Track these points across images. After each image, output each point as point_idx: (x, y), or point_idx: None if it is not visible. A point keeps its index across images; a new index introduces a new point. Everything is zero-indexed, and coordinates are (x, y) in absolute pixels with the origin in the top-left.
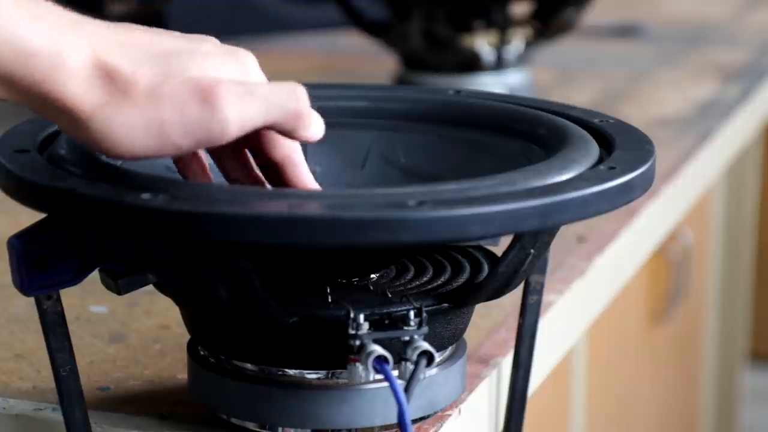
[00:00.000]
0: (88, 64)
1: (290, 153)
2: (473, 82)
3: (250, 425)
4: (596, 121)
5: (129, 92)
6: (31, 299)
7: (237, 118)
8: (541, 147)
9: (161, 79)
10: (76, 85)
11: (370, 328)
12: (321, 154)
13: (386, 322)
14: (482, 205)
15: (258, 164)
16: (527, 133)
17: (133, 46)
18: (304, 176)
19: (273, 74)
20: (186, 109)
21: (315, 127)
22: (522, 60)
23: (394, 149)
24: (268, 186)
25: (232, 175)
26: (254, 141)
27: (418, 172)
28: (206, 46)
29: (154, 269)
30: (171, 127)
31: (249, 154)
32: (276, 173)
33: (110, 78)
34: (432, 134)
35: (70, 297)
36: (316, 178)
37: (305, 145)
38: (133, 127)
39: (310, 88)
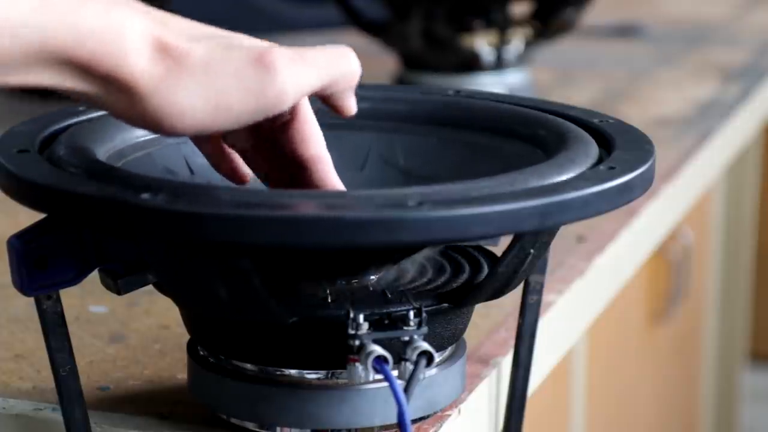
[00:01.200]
0: (145, 40)
1: (321, 150)
2: (473, 82)
3: (250, 425)
4: (596, 121)
5: (186, 64)
6: (31, 299)
7: (294, 82)
8: (541, 149)
9: (214, 50)
10: (136, 60)
11: (369, 328)
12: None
13: (386, 322)
14: (482, 205)
15: (280, 164)
16: (527, 135)
17: (181, 24)
18: (334, 176)
19: None
20: (243, 76)
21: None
22: (522, 60)
23: (394, 151)
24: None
25: (238, 146)
26: (288, 136)
27: (418, 174)
28: (241, 35)
29: (154, 269)
30: (230, 96)
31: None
32: (301, 173)
33: (166, 52)
34: (432, 136)
35: (70, 297)
36: None
37: None
38: (193, 98)
39: None
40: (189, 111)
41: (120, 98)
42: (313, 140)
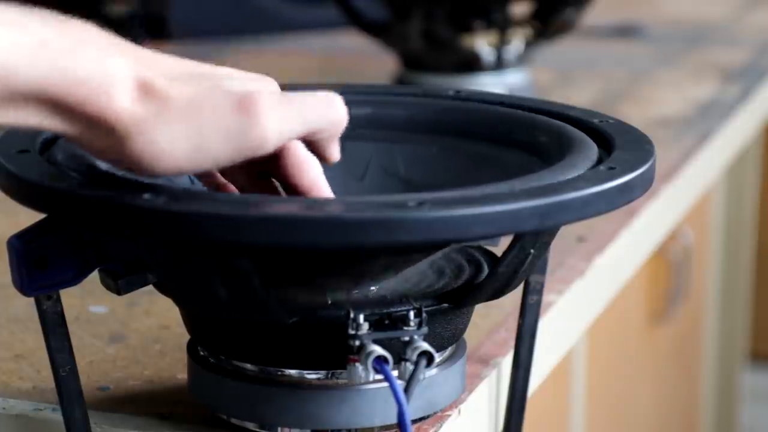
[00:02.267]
0: (131, 82)
1: (316, 178)
2: (473, 82)
3: (250, 425)
4: (596, 121)
5: (169, 106)
6: (31, 299)
7: (276, 127)
8: (541, 157)
9: (198, 92)
10: (122, 103)
11: (369, 329)
12: (321, 166)
13: (386, 322)
14: (482, 205)
15: (272, 190)
16: (528, 143)
17: (167, 65)
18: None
19: (273, 74)
20: (225, 120)
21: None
22: (522, 60)
23: (394, 161)
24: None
25: (237, 183)
26: (280, 167)
27: (418, 183)
28: (230, 69)
29: (154, 269)
30: (211, 139)
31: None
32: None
33: (151, 94)
34: (432, 145)
35: (70, 297)
36: None
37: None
38: (174, 140)
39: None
40: (168, 152)
41: (102, 139)
42: (305, 169)
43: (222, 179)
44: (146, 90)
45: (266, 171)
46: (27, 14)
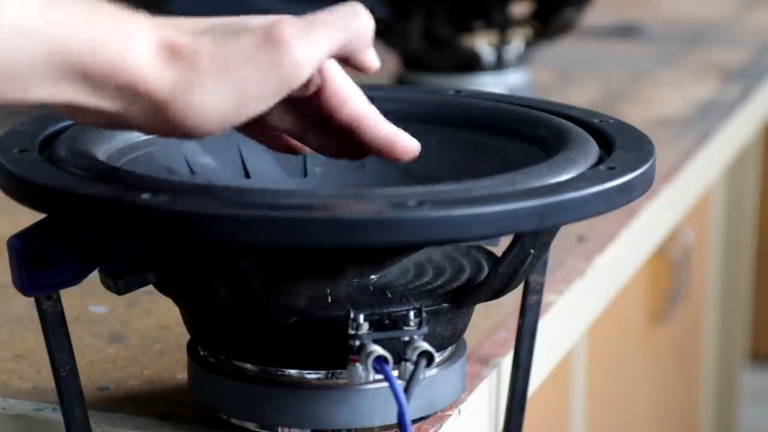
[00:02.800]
0: (153, 46)
1: (364, 106)
2: (473, 82)
3: (250, 425)
4: (596, 121)
5: (198, 63)
6: (31, 299)
7: (307, 51)
8: (541, 148)
9: (222, 42)
10: (150, 67)
11: (370, 328)
12: (322, 155)
13: (386, 322)
14: (482, 205)
15: (329, 132)
16: (527, 135)
17: (184, 24)
18: (385, 125)
19: None
20: (255, 60)
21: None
22: (522, 60)
23: None
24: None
25: (286, 127)
26: (324, 102)
27: (418, 173)
28: (244, 16)
29: (154, 269)
30: (248, 83)
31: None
32: (352, 134)
33: (177, 54)
34: (432, 136)
35: (70, 297)
36: (317, 179)
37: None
38: (214, 94)
39: None
40: (211, 108)
41: (141, 110)
42: (351, 99)
43: (274, 131)
44: (170, 49)
45: (313, 114)
46: None
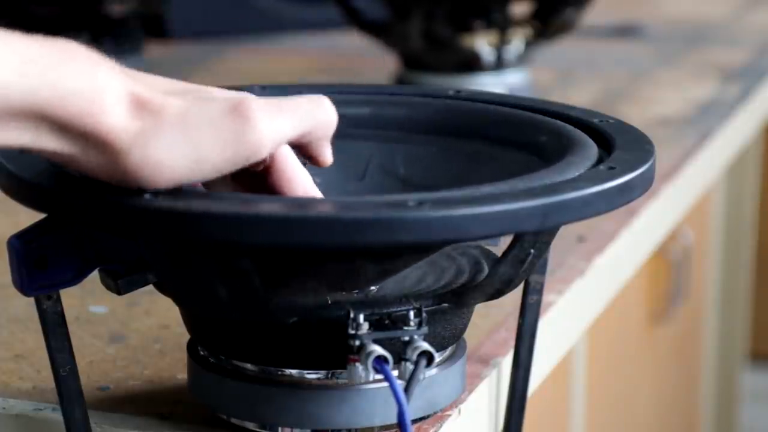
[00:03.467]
0: (123, 97)
1: (308, 189)
2: (473, 82)
3: (250, 425)
4: (596, 121)
5: (163, 118)
6: (31, 299)
7: (270, 130)
8: (541, 157)
9: (190, 103)
10: (115, 117)
11: (369, 328)
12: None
13: (386, 322)
14: (482, 205)
15: None
16: (527, 143)
17: (154, 80)
18: None
19: (273, 74)
20: (220, 127)
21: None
22: (522, 60)
23: (394, 160)
24: None
25: None
26: (271, 180)
27: (418, 183)
28: (212, 87)
29: (154, 269)
30: (208, 147)
31: None
32: None
33: (144, 107)
34: (432, 145)
35: (70, 297)
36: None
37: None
38: (172, 151)
39: (310, 89)
40: (167, 164)
41: (97, 156)
42: (297, 180)
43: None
44: (139, 103)
45: (255, 187)
46: (9, 34)
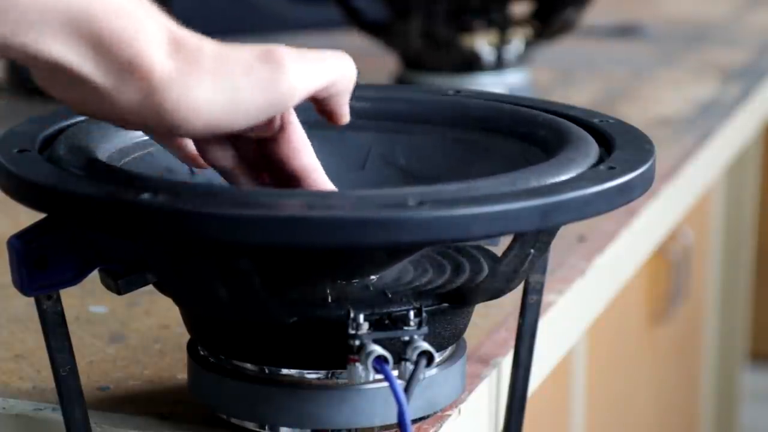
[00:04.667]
0: (163, 32)
1: (313, 160)
2: (473, 82)
3: (250, 425)
4: (596, 121)
5: (200, 60)
6: (31, 299)
7: (302, 77)
8: (541, 148)
9: (224, 48)
10: (157, 49)
11: (370, 328)
12: (321, 156)
13: (386, 322)
14: (482, 205)
15: (266, 179)
16: (527, 135)
17: (189, 30)
18: (329, 183)
19: None
20: (254, 71)
21: None
22: (522, 60)
23: (394, 151)
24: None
25: (220, 163)
26: (279, 147)
27: (418, 173)
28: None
29: (154, 269)
30: (243, 91)
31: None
32: (294, 184)
33: (182, 47)
34: (431, 136)
35: (70, 297)
36: None
37: None
38: (209, 93)
39: None
40: (204, 106)
41: (133, 90)
42: (305, 150)
43: (206, 162)
44: (178, 43)
45: (250, 155)
46: None
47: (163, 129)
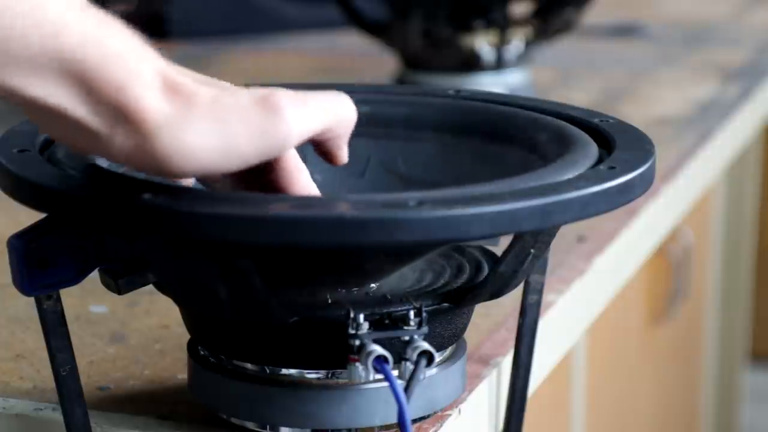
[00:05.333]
0: (158, 76)
1: (307, 184)
2: (473, 82)
3: (250, 425)
4: (596, 121)
5: (195, 104)
6: (31, 299)
7: (298, 123)
8: (541, 153)
9: (221, 92)
10: (150, 94)
11: (370, 328)
12: (321, 162)
13: (386, 321)
14: (482, 205)
15: None
16: (528, 141)
17: (185, 70)
18: None
19: (273, 74)
20: (250, 117)
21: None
22: (522, 60)
23: (394, 158)
24: None
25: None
26: (272, 175)
27: (418, 180)
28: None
29: (154, 269)
30: (238, 137)
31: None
32: None
33: (177, 91)
34: (432, 143)
35: (70, 297)
36: (317, 186)
37: (305, 153)
38: (203, 137)
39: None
40: (198, 151)
41: (126, 135)
42: (298, 178)
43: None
44: (172, 86)
45: (253, 181)
46: None
47: (157, 172)
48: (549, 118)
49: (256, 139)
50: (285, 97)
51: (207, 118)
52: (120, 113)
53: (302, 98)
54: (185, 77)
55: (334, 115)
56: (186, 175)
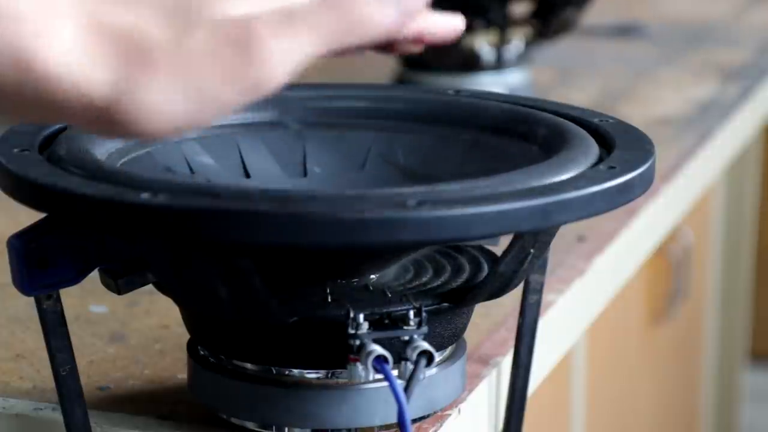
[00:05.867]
0: (82, 30)
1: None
2: (473, 82)
3: (250, 425)
4: (596, 120)
5: (148, 57)
6: (31, 299)
7: (283, 57)
8: (540, 147)
9: (181, 32)
10: (79, 62)
11: (369, 328)
12: (321, 155)
13: (386, 321)
14: (482, 204)
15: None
16: (527, 134)
17: (129, 3)
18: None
19: None
20: (223, 62)
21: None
22: (522, 60)
23: (394, 150)
24: None
25: None
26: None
27: (418, 172)
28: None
29: (154, 269)
30: (212, 87)
31: None
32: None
33: (119, 43)
34: (431, 135)
35: (70, 297)
36: (316, 179)
37: (303, 147)
38: (168, 96)
39: (310, 88)
40: (165, 110)
41: (83, 112)
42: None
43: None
44: (113, 39)
45: None
46: None
47: (132, 138)
48: (549, 114)
49: (232, 85)
50: (262, 25)
51: (167, 73)
52: (57, 102)
53: (288, 19)
54: (128, 16)
55: (333, 29)
56: (161, 135)
